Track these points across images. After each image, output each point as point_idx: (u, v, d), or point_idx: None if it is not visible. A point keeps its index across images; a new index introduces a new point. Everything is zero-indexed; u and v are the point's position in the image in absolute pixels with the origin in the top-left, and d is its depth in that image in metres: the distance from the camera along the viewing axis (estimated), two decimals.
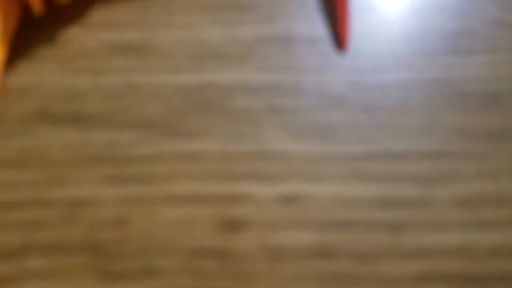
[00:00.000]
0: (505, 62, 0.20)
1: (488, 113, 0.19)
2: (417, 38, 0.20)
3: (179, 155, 0.17)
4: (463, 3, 0.21)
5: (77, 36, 0.19)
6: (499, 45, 0.20)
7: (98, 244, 0.15)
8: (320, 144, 0.18)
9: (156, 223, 0.16)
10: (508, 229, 0.16)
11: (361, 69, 0.19)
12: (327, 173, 0.17)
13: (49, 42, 0.19)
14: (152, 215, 0.16)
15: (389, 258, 0.16)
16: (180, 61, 0.19)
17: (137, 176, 0.17)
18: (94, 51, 0.19)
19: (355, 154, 0.18)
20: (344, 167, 0.17)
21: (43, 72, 0.18)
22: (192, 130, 0.18)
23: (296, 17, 0.20)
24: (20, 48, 0.19)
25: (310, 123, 0.18)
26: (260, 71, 0.19)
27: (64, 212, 0.16)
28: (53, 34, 0.19)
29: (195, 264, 0.15)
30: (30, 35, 0.19)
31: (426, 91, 0.19)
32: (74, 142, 0.17)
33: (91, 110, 0.18)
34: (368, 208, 0.17)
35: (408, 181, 0.17)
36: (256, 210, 0.16)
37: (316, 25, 0.20)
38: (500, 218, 0.17)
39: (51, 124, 0.17)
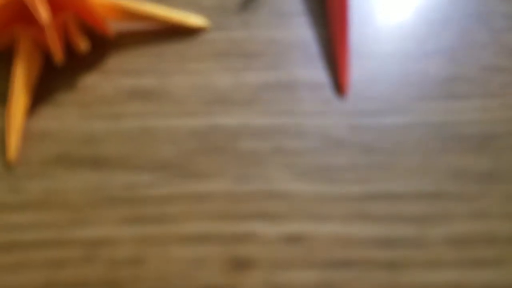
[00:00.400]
0: (498, 106, 0.21)
1: (481, 155, 0.20)
2: (414, 83, 0.22)
3: (191, 195, 0.18)
4: (459, 48, 0.23)
5: (95, 82, 0.20)
6: (493, 90, 0.22)
7: (115, 281, 0.16)
8: (322, 184, 0.19)
9: (169, 262, 0.17)
10: (499, 267, 0.18)
11: (361, 113, 0.21)
12: (329, 213, 0.18)
13: (69, 88, 0.20)
14: (166, 254, 0.17)
15: None
16: (192, 105, 0.20)
17: (152, 216, 0.18)
18: (111, 97, 0.20)
19: (355, 195, 0.19)
20: (345, 207, 0.18)
21: (64, 117, 0.20)
22: (202, 171, 0.19)
23: (299, 64, 0.22)
24: (42, 93, 0.20)
25: (312, 164, 0.19)
26: (265, 115, 0.20)
27: (84, 251, 0.17)
28: (73, 80, 0.20)
29: None
30: (51, 81, 0.20)
31: (423, 134, 0.20)
32: (92, 184, 0.18)
33: (109, 153, 0.19)
34: (368, 247, 0.18)
35: (405, 221, 0.18)
36: (262, 249, 0.17)
37: (318, 71, 0.22)
38: (492, 257, 0.18)
39: (71, 167, 0.19)
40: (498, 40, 0.23)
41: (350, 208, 0.18)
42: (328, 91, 0.21)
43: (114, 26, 0.22)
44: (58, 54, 0.19)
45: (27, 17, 0.19)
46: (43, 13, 0.18)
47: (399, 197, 0.19)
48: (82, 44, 0.19)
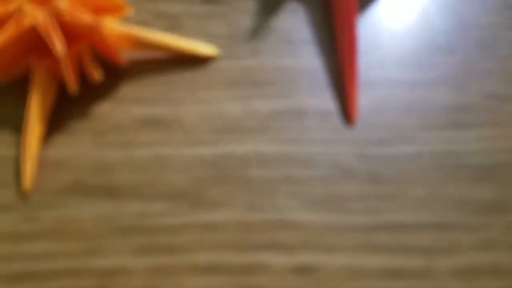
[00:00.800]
0: (503, 135, 0.22)
1: (486, 185, 0.20)
2: (420, 111, 0.22)
3: (202, 225, 0.19)
4: (464, 76, 0.23)
5: (109, 111, 0.21)
6: (498, 119, 0.22)
7: None
8: (331, 214, 0.19)
9: None
10: None
11: (368, 142, 0.21)
12: (338, 244, 0.19)
13: (83, 117, 0.20)
14: (179, 284, 0.17)
15: None
16: (203, 134, 0.21)
17: (164, 246, 0.18)
18: (124, 125, 0.20)
19: (363, 225, 0.19)
20: (352, 238, 0.19)
21: (78, 146, 0.20)
22: (213, 200, 0.19)
23: (308, 92, 0.22)
24: (56, 122, 0.20)
25: (321, 193, 0.20)
26: (275, 143, 0.21)
27: (97, 281, 0.17)
28: (87, 109, 0.21)
29: None
30: (65, 110, 0.21)
31: (428, 164, 0.21)
32: (106, 213, 0.19)
33: (122, 182, 0.19)
34: (376, 278, 0.18)
35: (411, 252, 0.19)
36: (272, 279, 0.18)
37: (326, 99, 0.22)
38: None
39: (85, 196, 0.19)
40: (503, 67, 0.24)
41: (359, 238, 0.19)
42: (336, 119, 0.22)
43: (126, 55, 0.22)
44: (72, 84, 0.19)
45: (42, 47, 0.20)
46: (58, 45, 0.18)
47: (406, 228, 0.19)
48: (96, 74, 0.20)
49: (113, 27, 0.21)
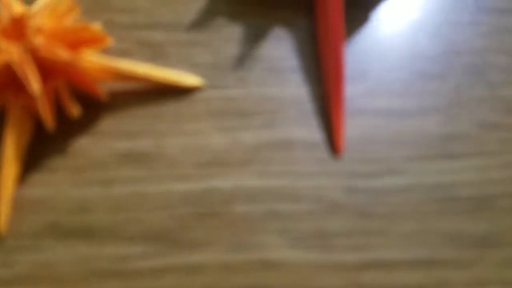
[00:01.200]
0: (495, 165, 0.21)
1: (477, 218, 0.20)
2: (410, 141, 0.21)
3: (183, 267, 0.18)
4: (455, 104, 0.22)
5: (88, 146, 0.20)
6: (489, 148, 0.21)
7: None
8: (316, 252, 0.19)
9: None
10: None
11: (356, 175, 0.20)
12: (324, 284, 0.18)
13: (61, 153, 0.20)
14: None
15: None
16: (187, 168, 0.20)
17: None
18: (105, 161, 0.20)
19: (350, 264, 0.19)
20: (340, 278, 0.18)
21: (55, 184, 0.19)
22: (195, 239, 0.19)
23: (295, 122, 0.21)
24: (33, 160, 0.20)
25: (307, 230, 0.19)
26: (260, 176, 0.20)
27: None
28: (65, 145, 0.20)
29: None
30: (42, 146, 0.20)
31: (418, 197, 0.20)
32: (84, 256, 0.18)
33: (101, 223, 0.19)
34: None
35: None
36: None
37: (313, 130, 0.21)
38: None
39: (62, 238, 0.18)
40: (494, 94, 0.23)
41: (345, 278, 0.18)
42: (323, 150, 0.21)
43: (107, 87, 0.22)
44: (49, 121, 0.19)
45: (17, 84, 0.19)
46: (34, 83, 0.18)
47: (395, 265, 0.19)
48: (74, 109, 0.19)
49: (92, 60, 0.20)
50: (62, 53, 0.18)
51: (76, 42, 0.20)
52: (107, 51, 0.23)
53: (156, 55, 0.23)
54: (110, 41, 0.21)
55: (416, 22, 0.25)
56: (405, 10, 0.25)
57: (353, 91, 0.22)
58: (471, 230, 0.20)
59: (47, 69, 0.19)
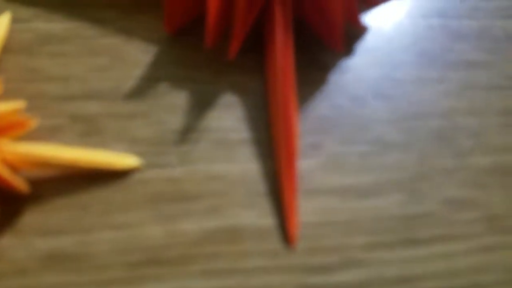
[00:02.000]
0: (464, 251, 0.19)
1: None
2: (368, 227, 0.19)
3: None
4: (418, 178, 0.20)
5: (6, 247, 0.18)
6: (457, 231, 0.19)
7: None
8: None
9: None
10: None
11: (310, 269, 0.18)
12: None
13: None
14: None
15: None
16: (116, 270, 0.18)
17: None
18: (24, 265, 0.18)
19: None
20: None
21: None
22: None
23: (243, 205, 0.19)
24: None
25: None
26: (203, 276, 0.18)
27: None
28: None
29: None
30: None
31: None
32: None
33: None
34: None
35: None
36: None
37: (264, 215, 0.19)
38: None
39: None
40: (464, 164, 0.21)
41: None
42: (274, 240, 0.19)
43: (30, 176, 0.19)
44: None
45: None
46: None
47: None
48: None
49: (10, 149, 0.18)
50: None
51: None
52: (33, 132, 0.20)
53: (90, 130, 0.20)
54: (33, 124, 0.19)
55: (374, 83, 0.23)
56: (363, 69, 0.23)
57: (306, 167, 0.20)
58: None
59: None
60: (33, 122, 0.18)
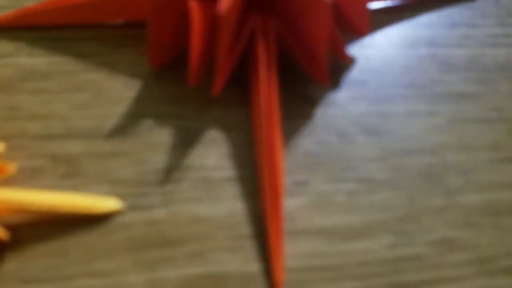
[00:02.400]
0: None
1: None
2: (356, 273, 0.19)
3: None
4: (407, 219, 0.20)
5: None
6: (447, 274, 0.19)
7: None
8: None
9: None
10: None
11: None
12: None
13: None
14: None
15: None
16: None
17: None
18: None
19: None
20: None
21: None
22: None
23: (228, 249, 0.19)
24: None
25: None
26: None
27: None
28: None
29: None
30: None
31: None
32: None
33: None
34: None
35: None
36: None
37: (249, 259, 0.19)
38: None
39: None
40: (453, 203, 0.21)
41: None
42: (259, 286, 0.18)
43: (8, 222, 0.19)
44: None
45: None
46: None
47: None
48: None
49: None
50: None
51: None
52: (12, 177, 0.20)
53: (71, 172, 0.20)
54: (12, 169, 0.18)
55: (361, 118, 0.22)
56: (350, 104, 0.23)
57: (292, 206, 0.20)
58: None
59: None
60: (12, 167, 0.18)
